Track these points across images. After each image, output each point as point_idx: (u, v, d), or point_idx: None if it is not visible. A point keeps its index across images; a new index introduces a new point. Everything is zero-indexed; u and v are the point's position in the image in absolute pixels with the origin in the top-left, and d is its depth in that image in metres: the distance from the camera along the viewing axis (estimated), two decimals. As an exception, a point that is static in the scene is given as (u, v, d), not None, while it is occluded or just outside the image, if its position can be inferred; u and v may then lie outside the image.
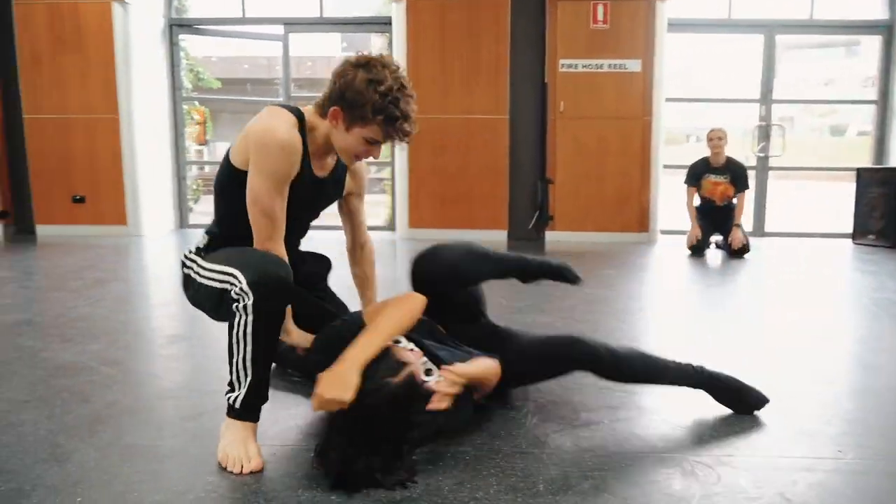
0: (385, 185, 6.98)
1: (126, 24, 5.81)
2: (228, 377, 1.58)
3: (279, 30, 6.37)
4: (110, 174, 5.91)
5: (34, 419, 1.82)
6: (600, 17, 5.55)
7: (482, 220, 5.85)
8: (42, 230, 6.01)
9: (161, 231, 6.22)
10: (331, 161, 1.81)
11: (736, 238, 4.86)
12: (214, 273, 1.64)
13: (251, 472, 1.51)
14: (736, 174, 5.06)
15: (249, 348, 1.55)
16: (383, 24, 6.32)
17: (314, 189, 1.78)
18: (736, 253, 4.85)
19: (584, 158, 5.73)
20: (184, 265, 1.80)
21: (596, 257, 4.88)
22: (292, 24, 6.39)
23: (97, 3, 5.74)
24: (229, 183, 1.72)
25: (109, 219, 5.97)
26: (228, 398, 1.59)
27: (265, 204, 1.64)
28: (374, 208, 10.74)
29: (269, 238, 1.68)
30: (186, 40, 6.57)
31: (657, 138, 5.71)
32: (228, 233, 1.77)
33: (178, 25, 6.35)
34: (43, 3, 5.78)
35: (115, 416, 1.85)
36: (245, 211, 1.67)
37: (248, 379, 1.57)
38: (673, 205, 5.85)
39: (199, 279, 1.71)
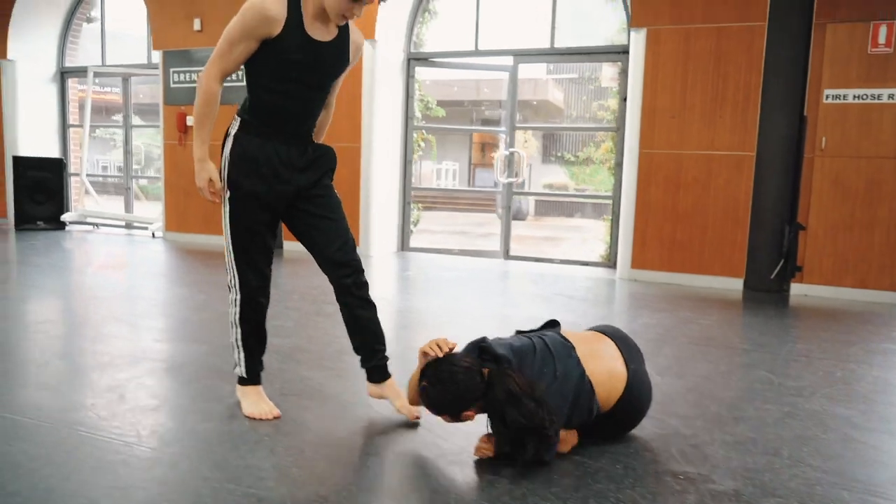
0: (605, 218, 6.71)
1: (374, 59, 6.29)
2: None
3: (508, 61, 6.45)
4: (347, 200, 6.43)
5: (340, 477, 1.88)
6: (882, 39, 4.78)
7: (716, 266, 5.34)
8: (288, 245, 6.71)
9: (385, 252, 6.61)
10: (333, 29, 2.08)
11: None
12: (226, 247, 2.17)
13: (276, 417, 2.19)
14: None
15: (238, 331, 2.21)
16: (617, 52, 6.10)
17: (313, 50, 2.04)
18: None
19: (848, 202, 4.97)
20: (223, 148, 2.14)
21: (862, 321, 4.16)
22: (522, 56, 6.44)
23: (350, 42, 6.29)
24: (250, 61, 2.07)
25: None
26: (236, 370, 2.26)
27: (224, 41, 2.01)
28: (588, 235, 10.38)
29: (211, 63, 2.03)
30: (421, 71, 6.92)
31: (949, 182, 4.76)
32: (258, 112, 2.10)
33: (415, 59, 6.73)
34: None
35: (406, 477, 1.87)
36: (267, 87, 2.06)
37: (242, 353, 2.22)
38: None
39: (223, 220, 2.17)
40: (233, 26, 1.99)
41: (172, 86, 7.12)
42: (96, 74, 8.04)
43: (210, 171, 2.08)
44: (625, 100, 6.08)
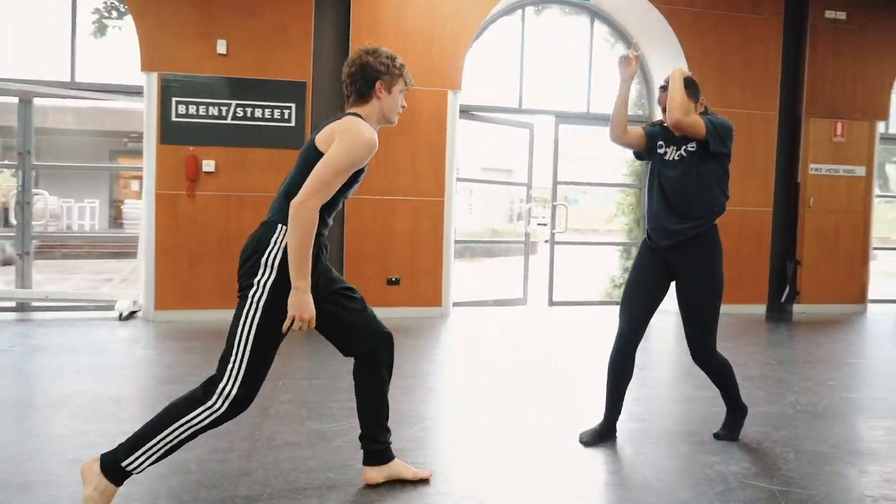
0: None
1: (455, 110, 6.04)
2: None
3: (550, 120, 6.90)
4: (433, 253, 5.97)
5: None
6: (839, 131, 6.89)
7: (747, 296, 6.77)
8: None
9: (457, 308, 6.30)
10: None
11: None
12: (237, 350, 2.00)
13: None
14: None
15: (183, 437, 1.99)
16: (641, 121, 7.12)
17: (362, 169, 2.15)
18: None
19: (823, 244, 6.94)
20: (266, 261, 2.01)
21: (839, 327, 6.02)
22: (563, 117, 6.97)
23: (434, 92, 5.93)
24: (313, 162, 2.04)
25: (424, 300, 6.00)
26: (127, 463, 1.96)
27: (329, 176, 1.99)
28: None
29: (314, 193, 1.97)
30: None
31: (871, 229, 7.11)
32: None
33: (462, 111, 6.62)
34: (379, 86, 5.82)
35: None
36: (329, 203, 2.04)
37: (156, 456, 1.98)
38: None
39: (244, 324, 2.01)
40: (342, 158, 1.99)
41: (174, 119, 5.47)
42: (-19, 91, 5.54)
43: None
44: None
